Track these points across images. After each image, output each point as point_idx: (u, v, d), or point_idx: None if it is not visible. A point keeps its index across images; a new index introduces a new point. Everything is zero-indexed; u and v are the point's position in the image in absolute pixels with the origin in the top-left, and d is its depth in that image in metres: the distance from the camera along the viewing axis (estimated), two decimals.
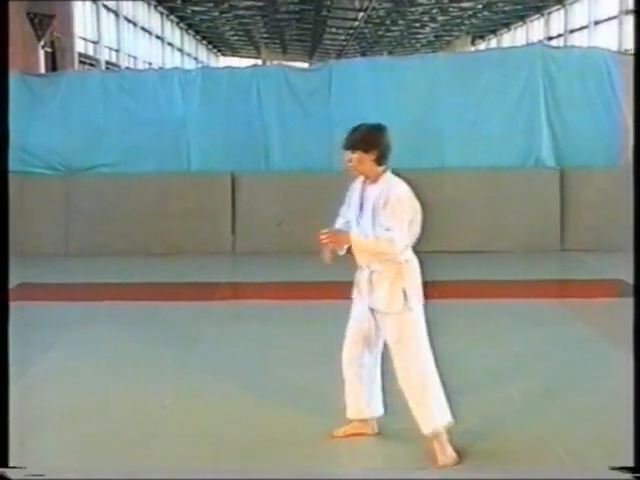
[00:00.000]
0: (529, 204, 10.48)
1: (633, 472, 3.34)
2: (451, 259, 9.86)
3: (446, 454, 4.08)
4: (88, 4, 32.59)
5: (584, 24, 39.08)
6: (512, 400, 5.02)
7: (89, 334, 6.78)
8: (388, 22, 47.44)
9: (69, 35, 26.69)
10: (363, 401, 4.36)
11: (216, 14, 45.99)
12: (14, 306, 7.60)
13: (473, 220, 10.46)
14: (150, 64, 40.91)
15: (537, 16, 45.45)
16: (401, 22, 47.25)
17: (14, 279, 8.84)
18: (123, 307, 7.77)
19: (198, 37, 56.71)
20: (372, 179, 4.15)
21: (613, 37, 34.41)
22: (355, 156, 4.10)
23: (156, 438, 4.45)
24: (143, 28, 41.55)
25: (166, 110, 10.98)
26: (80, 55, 29.40)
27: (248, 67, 12.69)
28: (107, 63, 34.10)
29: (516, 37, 49.30)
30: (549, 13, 43.83)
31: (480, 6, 42.49)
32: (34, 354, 6.04)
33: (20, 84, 10.94)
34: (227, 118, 10.95)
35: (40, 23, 21.39)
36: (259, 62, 45.66)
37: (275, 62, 33.33)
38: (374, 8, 40.13)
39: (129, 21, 38.99)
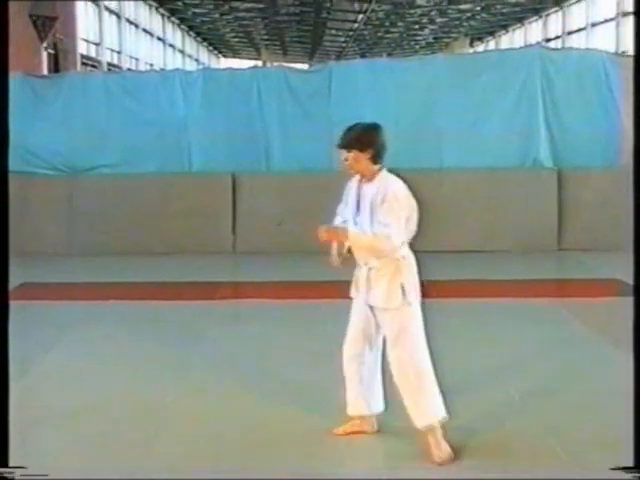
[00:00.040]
0: (527, 204, 10.47)
1: (633, 472, 3.32)
2: (450, 259, 9.86)
3: (441, 449, 4.09)
4: (90, 6, 32.59)
5: (582, 26, 39.09)
6: (510, 398, 5.01)
7: (91, 333, 6.77)
8: (387, 24, 47.44)
9: (71, 37, 26.69)
10: (364, 398, 4.36)
11: (217, 16, 45.99)
12: (17, 305, 7.60)
13: (471, 220, 10.46)
14: (152, 66, 40.91)
15: (535, 18, 45.45)
16: (400, 24, 47.24)
17: (17, 279, 8.88)
18: (124, 306, 7.75)
19: (199, 39, 56.72)
20: (368, 178, 4.16)
21: (610, 39, 34.40)
22: (351, 155, 4.11)
23: (157, 438, 4.44)
24: (145, 30, 41.55)
25: (167, 111, 10.97)
26: (82, 57, 29.40)
27: (249, 68, 12.70)
28: (109, 65, 34.10)
29: (514, 39, 49.30)
30: (547, 15, 43.83)
31: (478, 8, 42.48)
32: (36, 353, 6.04)
33: (23, 85, 10.96)
34: (228, 119, 10.95)
35: (43, 25, 21.39)
36: (259, 63, 45.65)
37: (275, 63, 33.28)
38: (373, 10, 40.12)
39: (131, 23, 38.99)
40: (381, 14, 43.44)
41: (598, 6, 37.38)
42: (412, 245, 4.26)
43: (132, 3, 39.03)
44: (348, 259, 4.28)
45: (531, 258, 10.02)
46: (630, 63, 10.78)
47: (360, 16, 41.97)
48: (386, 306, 4.14)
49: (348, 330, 4.36)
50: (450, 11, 43.06)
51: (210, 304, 7.90)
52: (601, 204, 10.33)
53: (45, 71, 22.37)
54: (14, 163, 10.52)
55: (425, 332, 4.25)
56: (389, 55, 49.46)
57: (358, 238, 4.08)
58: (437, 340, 4.65)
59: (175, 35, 49.37)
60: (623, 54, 23.54)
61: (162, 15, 45.13)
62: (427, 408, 4.12)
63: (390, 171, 4.19)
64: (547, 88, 10.69)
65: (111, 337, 6.65)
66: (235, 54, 63.82)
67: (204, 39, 57.78)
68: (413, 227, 4.15)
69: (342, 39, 53.51)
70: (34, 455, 4.16)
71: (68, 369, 5.78)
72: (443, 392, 4.22)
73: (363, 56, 50.15)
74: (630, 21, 32.92)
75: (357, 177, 4.25)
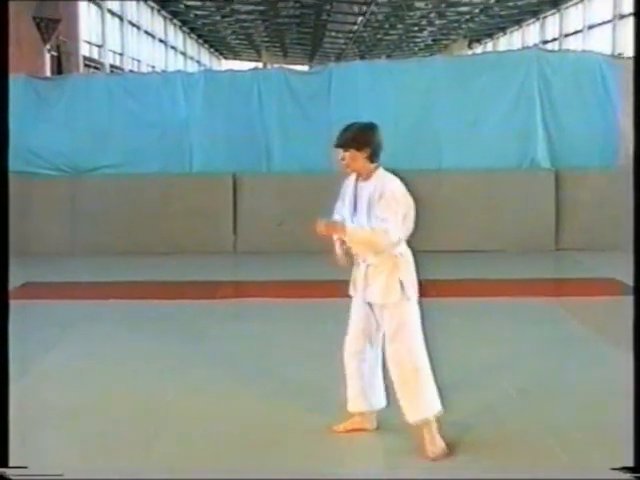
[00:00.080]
0: (525, 204, 10.47)
1: (633, 472, 3.31)
2: (448, 258, 9.86)
3: (435, 444, 4.09)
4: (93, 8, 32.59)
5: (578, 28, 39.09)
6: (507, 396, 5.00)
7: (92, 332, 6.76)
8: (387, 26, 47.44)
9: (74, 39, 26.70)
10: (365, 395, 4.36)
11: (218, 18, 46.00)
12: (20, 304, 7.61)
13: (470, 220, 10.46)
14: (153, 67, 40.90)
15: (533, 20, 45.44)
16: (399, 26, 47.23)
17: (20, 278, 8.90)
18: (126, 306, 7.75)
19: (200, 41, 56.71)
20: (365, 176, 4.17)
21: (607, 41, 34.40)
22: (348, 154, 4.12)
23: (157, 437, 4.40)
24: (147, 32, 41.55)
25: (169, 112, 10.98)
26: (85, 58, 29.41)
27: (249, 70, 12.68)
28: (111, 66, 34.11)
29: (512, 41, 49.29)
30: (544, 17, 43.82)
31: (477, 10, 42.49)
32: (37, 352, 6.02)
33: (26, 87, 10.98)
34: (229, 120, 10.95)
35: (46, 27, 21.39)
36: (260, 65, 45.65)
37: (276, 65, 33.23)
38: (373, 12, 40.13)
39: (133, 25, 39.00)
40: (380, 16, 43.45)
41: (595, 9, 37.38)
42: (412, 244, 4.25)
43: (134, 6, 39.03)
44: (353, 257, 4.28)
45: (529, 258, 10.02)
46: (626, 64, 10.87)
47: (360, 18, 41.98)
48: (385, 302, 4.14)
49: (348, 329, 4.36)
50: (449, 13, 43.08)
51: (211, 303, 7.89)
52: (598, 204, 10.34)
53: (48, 73, 22.37)
54: (18, 164, 10.65)
55: (424, 331, 4.25)
56: (388, 57, 49.40)
57: (356, 233, 4.08)
58: (436, 338, 4.65)
59: (177, 37, 49.37)
60: (619, 56, 23.57)
61: (164, 17, 45.13)
62: (423, 402, 4.13)
63: (388, 171, 4.20)
64: (544, 89, 10.69)
65: (112, 336, 6.64)
66: (236, 56, 63.82)
67: (205, 41, 57.79)
68: (410, 225, 4.15)
69: (342, 41, 53.52)
70: (34, 455, 4.13)
71: (69, 368, 5.76)
72: (440, 389, 4.22)
73: (362, 58, 50.09)
74: (626, 23, 32.93)
75: (354, 176, 4.25)
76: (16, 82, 10.94)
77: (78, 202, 10.78)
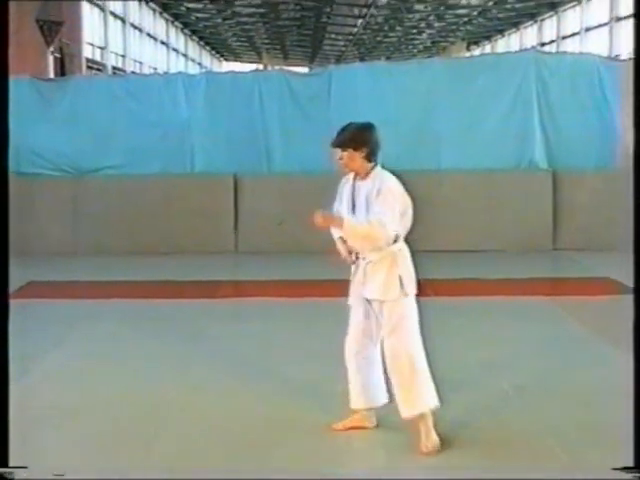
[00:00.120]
0: (523, 205, 10.47)
1: (633, 472, 3.30)
2: (448, 258, 9.86)
3: (429, 439, 4.11)
4: (96, 11, 32.58)
5: (576, 31, 39.07)
6: (505, 394, 5.00)
7: (95, 331, 6.76)
8: (386, 28, 47.43)
9: (77, 41, 26.71)
10: (366, 392, 4.36)
11: (219, 21, 45.99)
12: (24, 304, 7.63)
13: (469, 220, 10.45)
14: (155, 69, 40.89)
15: (530, 23, 45.42)
16: (399, 28, 47.23)
17: (24, 277, 8.89)
18: (128, 305, 7.75)
19: (202, 43, 56.70)
20: (363, 175, 4.19)
21: (604, 43, 34.39)
22: (346, 154, 4.14)
23: (157, 437, 4.38)
24: (149, 34, 41.55)
25: (171, 113, 10.97)
26: (88, 60, 29.41)
27: (250, 72, 12.70)
28: (114, 68, 34.10)
29: (510, 43, 49.27)
30: (542, 20, 43.80)
31: (475, 13, 42.48)
32: (40, 351, 6.02)
33: (30, 88, 10.99)
34: (230, 121, 10.95)
35: (49, 30, 21.39)
36: (261, 67, 45.65)
37: (276, 67, 33.29)
38: (372, 15, 40.13)
39: (135, 27, 38.99)
40: (380, 19, 43.45)
41: (592, 11, 37.37)
42: (411, 244, 4.26)
43: (137, 8, 39.02)
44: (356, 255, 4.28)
45: (527, 257, 10.02)
46: (623, 66, 10.87)
47: (359, 21, 41.96)
48: (384, 298, 4.15)
49: (349, 329, 4.36)
50: (447, 16, 43.06)
51: (212, 302, 7.89)
52: (595, 205, 10.34)
53: (51, 74, 22.37)
54: (21, 164, 10.68)
55: (423, 329, 4.26)
56: (388, 59, 49.48)
57: (353, 226, 4.08)
58: (435, 337, 4.65)
59: (178, 39, 49.36)
60: (616, 58, 23.56)
61: (166, 20, 45.12)
62: (418, 397, 4.14)
63: (387, 170, 4.21)
64: (542, 91, 10.69)
65: (114, 335, 6.63)
66: (237, 58, 63.80)
67: (207, 43, 57.78)
68: (408, 223, 4.18)
69: (342, 43, 53.49)
70: (34, 455, 4.08)
71: (69, 368, 5.74)
72: (439, 387, 4.22)
73: (362, 60, 50.11)
74: (623, 26, 32.92)
75: (351, 175, 4.27)
76: (20, 83, 10.95)
77: (80, 203, 10.78)
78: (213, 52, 62.00)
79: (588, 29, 37.58)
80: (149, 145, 10.86)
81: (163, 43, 45.03)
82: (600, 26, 35.88)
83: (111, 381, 5.36)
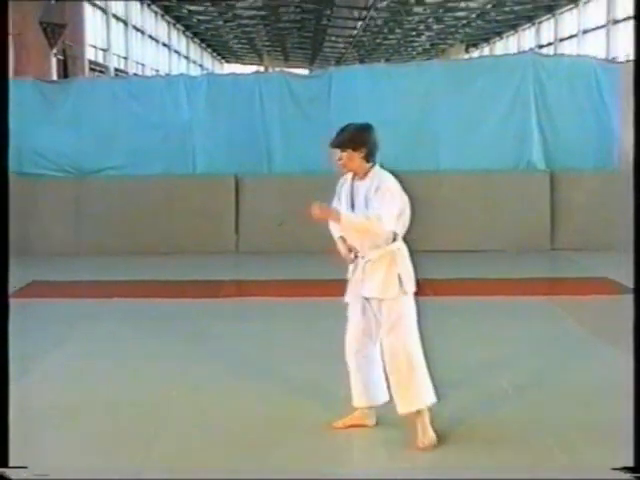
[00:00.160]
0: (521, 205, 10.47)
1: (633, 472, 3.29)
2: (447, 258, 9.86)
3: (426, 435, 4.13)
4: (98, 13, 32.57)
5: (573, 33, 39.06)
6: (503, 392, 4.99)
7: (96, 331, 6.75)
8: (386, 31, 47.41)
9: (80, 43, 26.69)
10: (369, 390, 4.36)
11: (220, 23, 45.96)
12: (27, 303, 7.62)
13: (467, 220, 10.45)
14: (157, 71, 40.86)
15: (528, 25, 45.41)
16: (398, 31, 47.21)
17: (27, 277, 8.88)
18: (130, 304, 7.74)
19: (203, 45, 56.67)
20: (361, 175, 4.20)
21: (601, 46, 34.38)
22: (345, 154, 4.16)
23: (157, 437, 4.36)
24: (151, 36, 41.52)
25: (172, 115, 10.97)
26: (90, 62, 29.39)
27: (251, 74, 12.71)
28: (116, 70, 34.06)
29: (508, 45, 49.26)
30: (540, 22, 43.79)
31: (474, 15, 42.47)
32: (42, 350, 6.01)
33: (33, 90, 11.00)
34: (231, 122, 10.95)
35: (52, 32, 21.38)
36: (261, 69, 45.60)
37: (277, 69, 33.27)
38: (372, 17, 40.10)
39: (137, 30, 38.96)
40: (380, 21, 43.42)
41: (589, 14, 37.35)
42: (410, 244, 4.27)
43: (139, 11, 39.02)
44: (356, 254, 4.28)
45: (525, 257, 10.02)
46: (620, 68, 10.87)
47: (359, 23, 41.94)
48: (384, 296, 4.16)
49: (349, 328, 4.36)
50: (446, 18, 43.04)
51: (213, 302, 7.88)
52: (592, 205, 10.33)
53: (54, 76, 22.36)
54: (25, 165, 10.69)
55: (422, 328, 4.27)
56: (387, 61, 49.46)
57: (350, 219, 4.09)
58: (434, 337, 4.65)
59: (180, 41, 49.34)
60: (613, 60, 23.57)
61: (167, 22, 45.10)
62: (417, 394, 4.16)
63: (387, 171, 4.22)
64: (540, 93, 10.69)
65: (115, 335, 6.62)
66: (238, 60, 63.78)
67: (208, 45, 57.75)
68: (406, 222, 4.19)
69: (342, 45, 53.46)
70: (34, 455, 4.05)
71: (70, 367, 5.72)
72: (438, 386, 4.23)
73: (362, 62, 50.12)
74: (620, 28, 32.91)
75: (349, 175, 4.28)
76: (23, 85, 10.97)
77: (83, 203, 10.78)
78: (214, 54, 61.97)
79: (585, 32, 37.57)
80: (151, 146, 10.86)
81: (165, 45, 45.01)
82: (597, 28, 35.87)
83: (112, 381, 5.35)
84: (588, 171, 10.55)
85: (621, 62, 16.16)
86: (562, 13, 40.52)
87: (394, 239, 4.18)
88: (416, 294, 4.27)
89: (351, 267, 4.30)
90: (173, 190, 10.79)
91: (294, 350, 6.07)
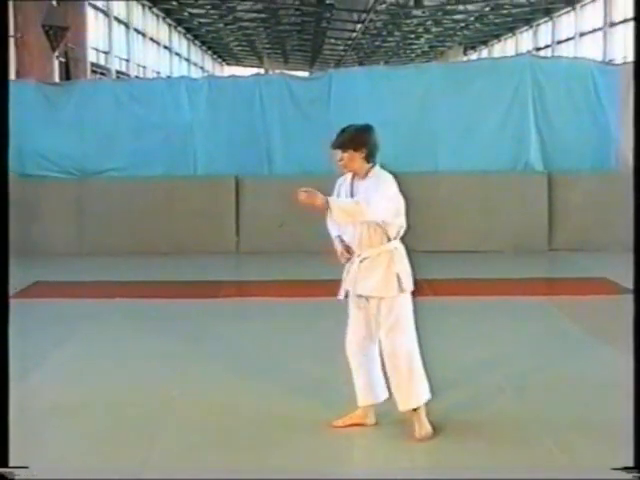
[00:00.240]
0: (519, 206, 10.46)
1: (633, 472, 3.28)
2: (446, 258, 9.85)
3: (423, 427, 4.18)
4: (100, 16, 32.57)
5: (570, 36, 39.05)
6: (505, 394, 4.97)
7: (98, 331, 6.73)
8: (385, 33, 47.41)
9: (82, 46, 26.67)
10: (371, 388, 4.36)
11: (221, 25, 45.97)
12: (30, 303, 7.61)
13: (466, 221, 10.44)
14: (158, 73, 40.87)
15: (526, 28, 45.41)
16: (397, 33, 47.21)
17: (29, 278, 8.88)
18: (132, 304, 7.72)
19: (204, 47, 56.66)
20: (362, 175, 4.21)
21: (598, 48, 34.37)
22: (346, 155, 4.17)
23: (157, 437, 4.33)
24: (152, 39, 41.51)
25: (174, 117, 10.96)
26: (92, 65, 29.37)
27: (251, 76, 12.70)
28: (118, 72, 34.04)
29: (506, 48, 49.24)
30: (537, 25, 43.79)
31: (472, 18, 42.48)
32: (43, 350, 5.98)
33: (36, 92, 11.01)
34: (232, 124, 10.95)
35: (55, 35, 21.35)
36: (262, 71, 45.58)
37: (277, 71, 33.26)
38: (371, 20, 40.09)
39: (139, 32, 38.95)
40: (379, 24, 43.43)
41: (586, 17, 37.35)
42: (409, 244, 4.28)
43: (140, 14, 39.02)
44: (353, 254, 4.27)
45: (523, 258, 10.00)
46: (617, 70, 10.86)
47: (358, 26, 41.94)
48: (383, 295, 4.17)
49: (348, 327, 4.36)
50: (445, 21, 43.06)
51: (214, 302, 7.86)
52: (590, 206, 10.32)
53: (57, 79, 22.34)
54: (27, 167, 10.69)
55: (421, 329, 4.27)
56: (386, 63, 49.41)
57: (338, 203, 4.05)
58: (433, 337, 4.64)
59: (181, 44, 49.34)
60: (610, 62, 23.56)
61: (169, 25, 45.09)
62: (417, 392, 4.20)
63: (387, 171, 4.22)
64: (538, 95, 10.68)
65: (117, 335, 6.61)
66: (238, 62, 63.77)
67: (209, 47, 57.74)
68: (403, 223, 4.20)
69: (341, 48, 53.48)
70: (35, 455, 4.01)
71: (71, 367, 5.71)
72: (437, 386, 4.24)
73: (361, 64, 50.08)
74: (617, 31, 32.90)
75: (349, 175, 4.28)
76: (26, 87, 10.97)
77: (85, 204, 10.77)
78: (215, 56, 61.96)
79: (582, 34, 37.57)
80: (152, 148, 10.85)
81: (166, 48, 45.00)
82: (594, 31, 35.86)
83: (112, 380, 5.32)
84: (585, 172, 10.54)
85: (618, 64, 16.15)
86: (559, 16, 40.52)
87: (389, 239, 4.18)
88: (414, 294, 4.28)
89: (347, 266, 4.30)
90: (174, 191, 10.78)
91: (294, 350, 6.05)
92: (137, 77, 34.17)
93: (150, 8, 40.15)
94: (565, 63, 11.94)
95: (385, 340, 4.21)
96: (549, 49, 41.46)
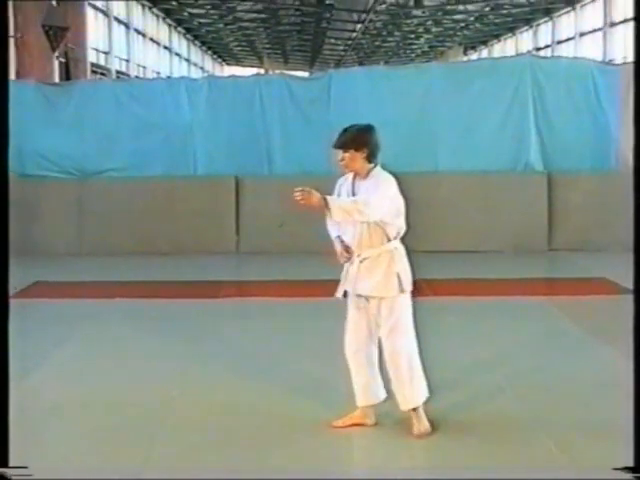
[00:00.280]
0: (519, 206, 10.46)
1: (633, 472, 3.28)
2: (445, 258, 9.84)
3: (421, 423, 4.21)
4: (100, 17, 32.56)
5: (570, 36, 39.05)
6: (504, 394, 4.97)
7: (98, 330, 6.73)
8: (385, 33, 47.41)
9: (82, 46, 26.66)
10: (370, 388, 4.37)
11: (221, 26, 45.97)
12: (29, 303, 7.60)
13: (466, 221, 10.43)
14: (158, 73, 40.86)
15: (526, 28, 45.40)
16: (397, 33, 47.21)
17: (30, 278, 8.88)
18: (132, 304, 7.73)
19: (204, 48, 56.65)
20: (363, 175, 4.21)
21: (598, 48, 34.37)
22: (347, 155, 4.17)
23: (157, 437, 4.34)
24: (152, 39, 41.50)
25: (173, 117, 10.96)
26: (92, 65, 29.36)
27: (251, 76, 12.71)
28: (118, 72, 34.04)
29: (506, 48, 49.23)
30: (537, 25, 43.78)
31: (472, 18, 42.47)
32: (43, 351, 5.98)
33: (36, 92, 11.01)
34: (232, 124, 10.95)
35: (55, 35, 21.36)
36: (262, 71, 45.57)
37: (277, 71, 33.26)
38: (371, 20, 40.09)
39: (139, 33, 38.94)
40: (379, 24, 43.42)
41: (586, 17, 37.35)
42: (409, 244, 4.28)
43: (140, 14, 39.02)
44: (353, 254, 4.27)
45: (523, 258, 10.00)
46: (617, 71, 10.85)
47: (358, 26, 41.94)
48: (384, 295, 4.18)
49: (347, 328, 4.36)
50: (445, 21, 43.05)
51: (214, 302, 7.86)
52: (590, 206, 10.32)
53: (57, 79, 22.35)
54: (27, 167, 10.70)
55: (421, 329, 4.29)
56: (386, 63, 49.40)
57: (336, 201, 4.04)
58: (432, 336, 4.64)
59: (181, 44, 49.33)
60: (610, 62, 23.56)
61: (169, 25, 45.08)
62: (417, 392, 4.24)
63: (387, 171, 4.22)
64: (538, 95, 10.68)
65: (117, 335, 6.61)
66: (238, 62, 63.76)
67: (209, 48, 57.74)
68: (402, 223, 4.21)
69: (341, 48, 53.48)
70: (34, 455, 4.00)
71: (72, 367, 5.71)
72: (437, 385, 4.23)
73: (361, 64, 50.06)
74: (617, 31, 32.90)
75: (351, 175, 4.28)
76: (26, 88, 10.98)
77: (85, 204, 10.77)
78: (215, 56, 61.95)
79: (582, 34, 37.56)
80: (152, 148, 10.86)
81: (166, 48, 44.99)
82: (594, 31, 35.86)
83: (112, 380, 5.32)
84: (585, 172, 10.54)
85: (618, 64, 16.15)
86: (559, 16, 40.51)
87: (389, 239, 4.19)
88: (413, 294, 4.29)
89: (346, 266, 4.30)
90: (174, 191, 10.78)
91: (294, 350, 6.05)
92: (137, 77, 34.16)
93: (150, 8, 40.14)
94: (565, 63, 11.93)
95: (386, 341, 4.23)
96: (549, 49, 41.46)
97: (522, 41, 46.63)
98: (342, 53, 55.44)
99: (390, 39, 49.95)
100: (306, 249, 9.56)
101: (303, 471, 3.87)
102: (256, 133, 10.91)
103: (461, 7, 38.70)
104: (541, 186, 10.45)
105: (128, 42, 36.84)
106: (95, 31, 30.93)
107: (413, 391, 4.22)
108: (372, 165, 4.20)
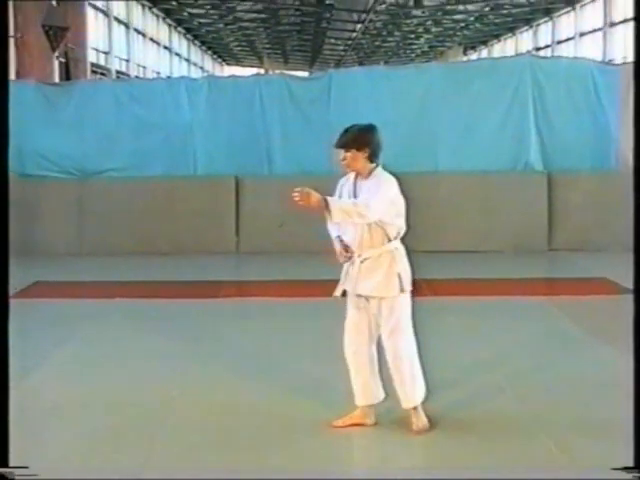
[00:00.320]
0: (519, 206, 10.45)
1: (633, 472, 3.28)
2: (446, 258, 9.84)
3: (420, 420, 4.25)
4: (100, 17, 32.56)
5: (570, 36, 39.05)
6: (504, 394, 4.97)
7: (98, 331, 6.73)
8: (385, 33, 47.41)
9: (82, 46, 26.67)
10: (370, 388, 4.37)
11: (221, 26, 45.98)
12: (29, 303, 7.60)
13: (466, 221, 10.43)
14: (158, 73, 40.87)
15: (526, 28, 45.40)
16: (397, 33, 47.21)
17: (30, 278, 8.88)
18: (132, 304, 7.72)
19: (204, 47, 56.66)
20: (364, 175, 4.21)
21: (598, 48, 34.37)
22: (349, 154, 4.17)
23: (158, 436, 4.34)
24: (152, 39, 41.51)
25: (173, 117, 10.96)
26: (92, 65, 29.36)
27: (251, 76, 12.70)
28: (118, 72, 34.04)
29: (506, 48, 49.23)
30: (537, 25, 43.78)
31: (472, 18, 42.47)
32: (43, 351, 5.98)
33: (36, 92, 11.01)
34: (231, 124, 10.95)
35: (55, 35, 21.36)
36: (262, 71, 45.56)
37: (277, 71, 33.25)
38: (371, 20, 40.09)
39: (139, 33, 38.94)
40: (379, 24, 43.42)
41: (586, 17, 37.35)
42: (409, 244, 4.29)
43: (140, 14, 39.03)
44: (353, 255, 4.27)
45: (523, 258, 10.00)
46: (617, 70, 10.85)
47: (358, 26, 41.94)
48: (384, 295, 4.19)
49: (347, 327, 4.36)
50: (445, 21, 43.05)
51: (214, 302, 7.86)
52: (589, 205, 10.32)
53: (57, 79, 22.35)
54: (27, 167, 10.70)
55: (421, 329, 4.30)
56: (386, 63, 49.39)
57: (337, 203, 4.04)
58: (432, 336, 4.63)
59: (181, 44, 49.33)
60: (610, 62, 23.56)
61: (169, 25, 45.09)
62: (417, 391, 4.27)
63: (388, 172, 4.22)
64: (537, 95, 10.67)
65: (117, 335, 6.60)
66: (238, 62, 63.77)
67: (209, 48, 57.74)
68: (403, 224, 4.21)
69: (341, 48, 53.48)
70: (35, 455, 4.00)
71: (72, 367, 5.71)
72: (435, 384, 4.23)
73: (361, 64, 50.05)
74: (617, 31, 32.90)
75: (352, 174, 4.28)
76: (26, 88, 10.97)
77: (85, 204, 10.77)
78: (215, 56, 61.96)
79: (582, 34, 37.56)
80: (152, 148, 10.86)
81: (166, 48, 45.00)
82: (594, 31, 35.86)
83: (112, 380, 5.32)
84: (585, 172, 10.54)
85: (618, 64, 16.15)
86: (559, 16, 40.52)
87: (389, 239, 4.19)
88: (413, 293, 4.30)
89: (346, 266, 4.30)
90: (174, 191, 10.78)
91: (294, 350, 6.05)
92: (137, 77, 34.16)
93: (150, 8, 40.14)
94: (565, 63, 11.93)
95: (387, 342, 4.24)
96: (549, 49, 41.45)
97: (522, 41, 46.64)
98: (342, 53, 55.44)
99: (390, 39, 49.95)
100: (306, 249, 9.56)
101: (303, 471, 3.87)
102: (256, 133, 10.91)
103: (461, 7, 38.70)
104: (541, 186, 10.45)
105: (128, 42, 36.84)
106: (95, 31, 30.93)
107: (415, 389, 4.26)
108: (374, 165, 4.20)
